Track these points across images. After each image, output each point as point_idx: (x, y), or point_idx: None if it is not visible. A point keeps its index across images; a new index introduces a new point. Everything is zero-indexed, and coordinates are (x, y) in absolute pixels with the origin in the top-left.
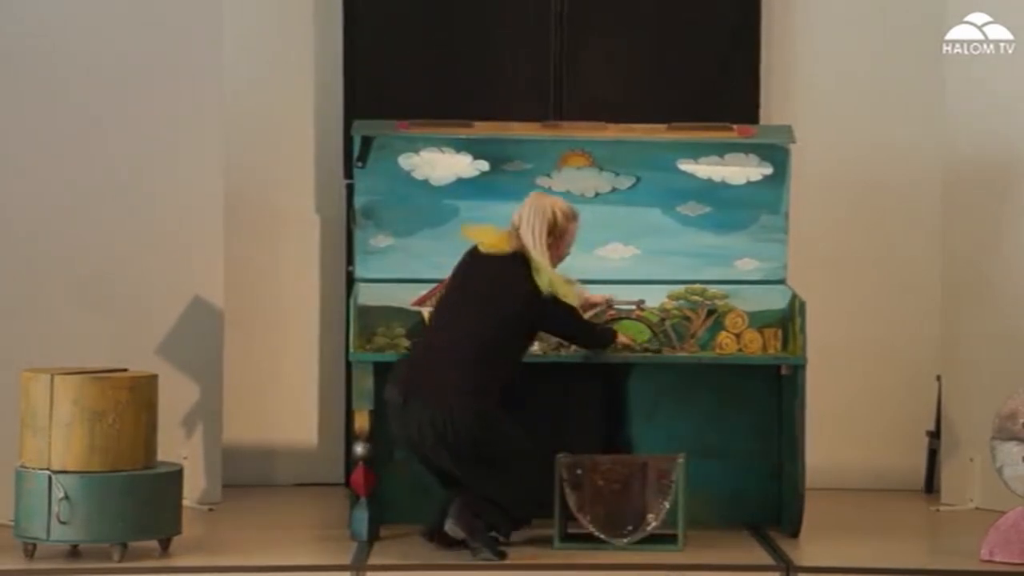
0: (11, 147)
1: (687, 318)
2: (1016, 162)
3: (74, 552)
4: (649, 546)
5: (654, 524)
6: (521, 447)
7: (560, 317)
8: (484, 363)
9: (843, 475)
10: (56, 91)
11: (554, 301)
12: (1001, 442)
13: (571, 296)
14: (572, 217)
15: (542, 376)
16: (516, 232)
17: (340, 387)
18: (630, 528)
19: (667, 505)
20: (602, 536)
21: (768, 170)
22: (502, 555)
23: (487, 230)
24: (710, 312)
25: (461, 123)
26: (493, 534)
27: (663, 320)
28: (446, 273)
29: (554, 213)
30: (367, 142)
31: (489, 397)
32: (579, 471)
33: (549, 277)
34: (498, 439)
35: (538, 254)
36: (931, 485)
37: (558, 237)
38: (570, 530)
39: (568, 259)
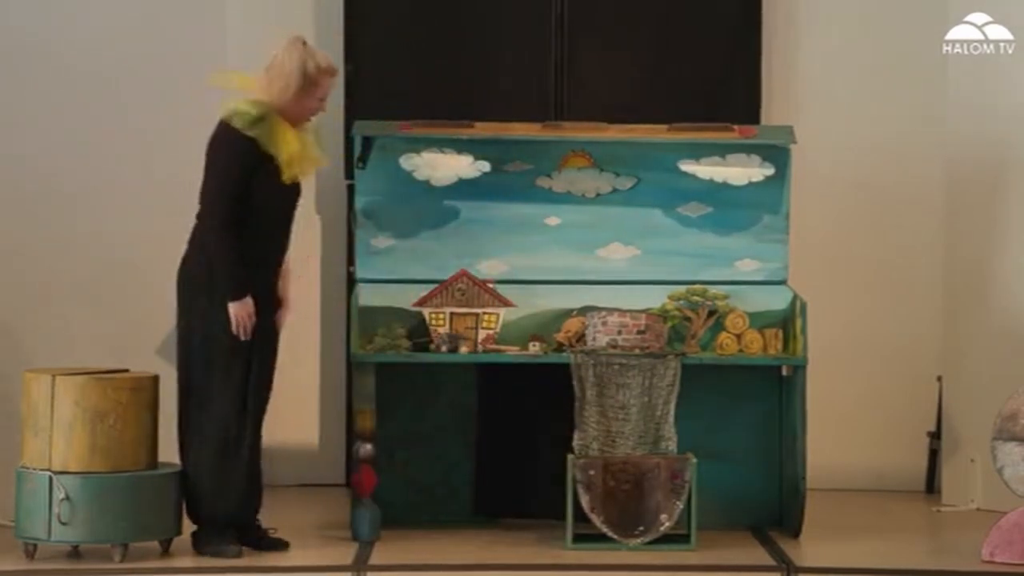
0: (12, 146)
1: (688, 319)
2: (1017, 162)
3: (75, 553)
4: (661, 546)
5: (667, 524)
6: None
7: (209, 161)
8: None
9: (844, 475)
10: (57, 91)
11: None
12: (1002, 443)
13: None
14: (328, 71)
15: (542, 376)
16: (265, 75)
17: (341, 387)
18: (641, 528)
19: (680, 505)
20: (614, 536)
21: (769, 171)
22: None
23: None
24: (711, 313)
25: (462, 124)
26: None
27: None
28: (447, 274)
29: (305, 61)
30: (368, 143)
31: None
32: (591, 472)
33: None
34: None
35: (264, 93)
36: (932, 486)
37: (308, 86)
38: (581, 531)
39: (570, 261)
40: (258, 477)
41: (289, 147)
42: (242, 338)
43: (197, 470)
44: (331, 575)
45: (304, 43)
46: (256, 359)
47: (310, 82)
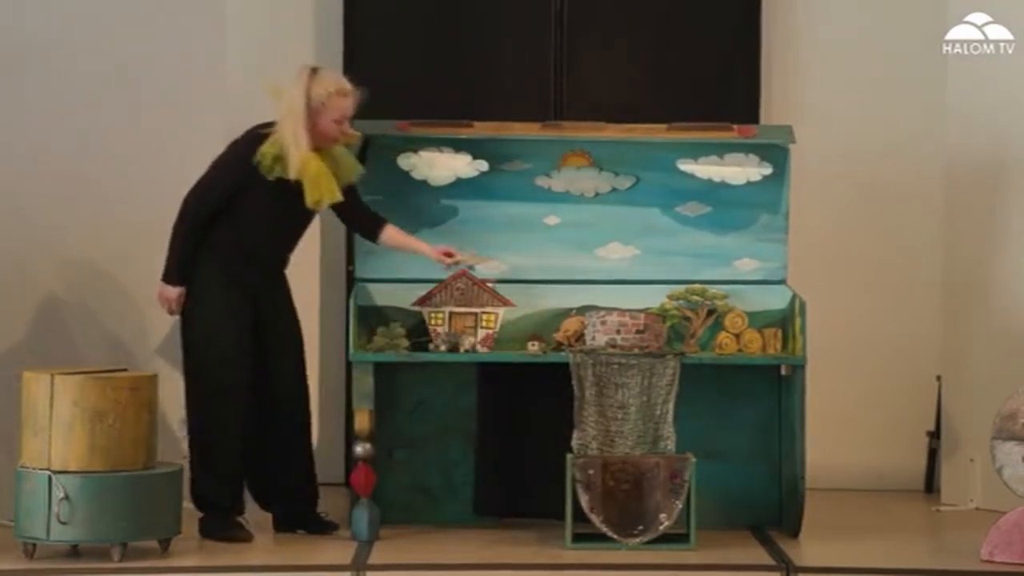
0: (13, 146)
1: (687, 318)
2: (1017, 162)
3: (74, 552)
4: (661, 546)
5: (667, 524)
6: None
7: (216, 159)
8: None
9: (843, 475)
10: (58, 89)
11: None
12: (1001, 442)
13: (306, 175)
14: (337, 92)
15: (542, 376)
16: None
17: (340, 387)
18: (641, 528)
19: (680, 505)
20: (613, 536)
21: (768, 170)
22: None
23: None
24: (710, 312)
25: (460, 123)
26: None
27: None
28: (446, 273)
29: (309, 88)
30: (366, 141)
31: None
32: (590, 471)
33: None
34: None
35: (281, 117)
36: (931, 485)
37: (315, 108)
38: (581, 530)
39: (569, 260)
40: (275, 469)
41: (306, 174)
42: (168, 314)
43: (190, 454)
44: (330, 575)
45: (313, 71)
46: (260, 352)
47: (319, 107)
